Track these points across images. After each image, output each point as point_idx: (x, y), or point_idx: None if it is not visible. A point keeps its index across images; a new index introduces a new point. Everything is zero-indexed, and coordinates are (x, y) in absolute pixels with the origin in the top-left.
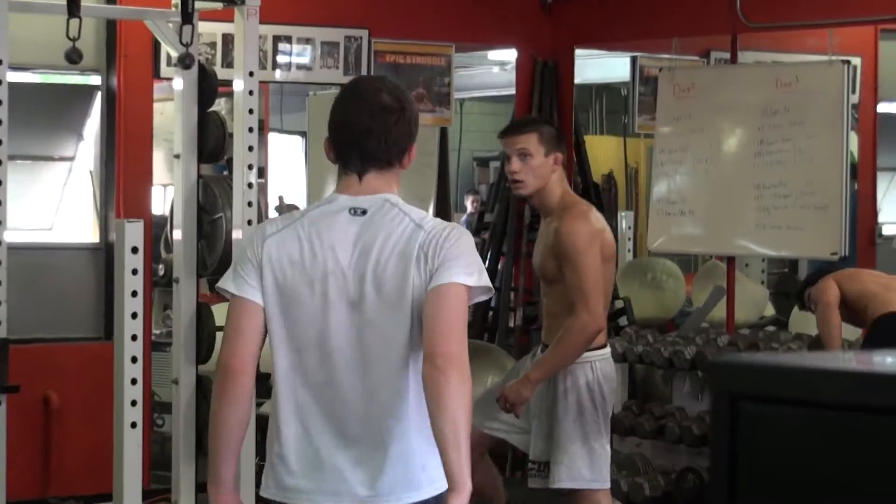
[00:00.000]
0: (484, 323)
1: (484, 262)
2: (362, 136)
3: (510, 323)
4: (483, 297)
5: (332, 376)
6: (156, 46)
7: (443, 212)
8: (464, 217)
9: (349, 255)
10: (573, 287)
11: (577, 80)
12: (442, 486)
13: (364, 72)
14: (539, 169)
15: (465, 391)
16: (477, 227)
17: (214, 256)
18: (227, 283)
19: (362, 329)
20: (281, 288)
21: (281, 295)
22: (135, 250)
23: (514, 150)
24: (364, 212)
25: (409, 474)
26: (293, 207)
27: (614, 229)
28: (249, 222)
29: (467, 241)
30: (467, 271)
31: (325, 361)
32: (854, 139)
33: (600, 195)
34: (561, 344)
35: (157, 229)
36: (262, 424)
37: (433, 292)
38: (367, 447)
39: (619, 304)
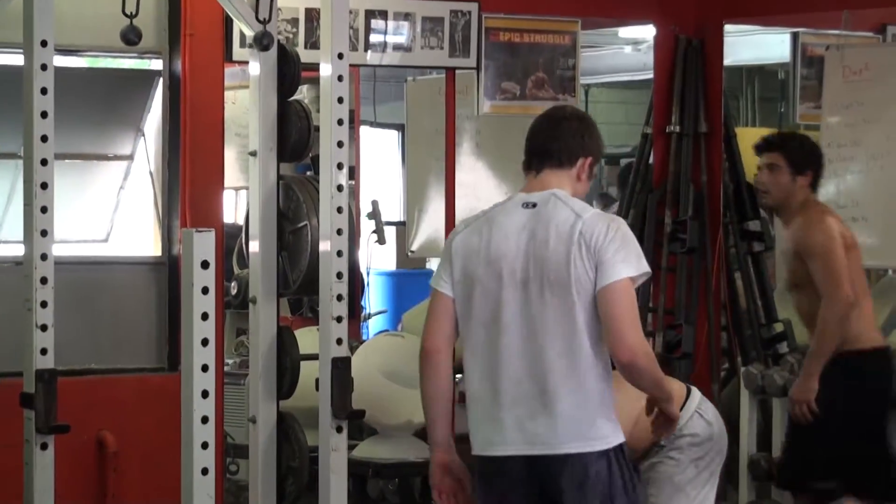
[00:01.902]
0: None
1: None
2: (541, 138)
3: None
4: (643, 280)
5: (506, 345)
6: (227, 24)
7: None
8: None
9: (518, 241)
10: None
11: (726, 62)
12: (612, 441)
13: (473, 52)
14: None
15: (651, 367)
16: None
17: (298, 272)
18: (432, 280)
19: (530, 304)
20: (465, 274)
21: (465, 279)
22: (205, 265)
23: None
24: (534, 204)
25: (580, 428)
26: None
27: (771, 238)
28: (339, 232)
29: (623, 231)
30: (627, 263)
31: (500, 333)
32: None
33: (754, 196)
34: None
35: (229, 241)
36: (355, 470)
37: (604, 292)
38: (539, 405)
39: (779, 327)
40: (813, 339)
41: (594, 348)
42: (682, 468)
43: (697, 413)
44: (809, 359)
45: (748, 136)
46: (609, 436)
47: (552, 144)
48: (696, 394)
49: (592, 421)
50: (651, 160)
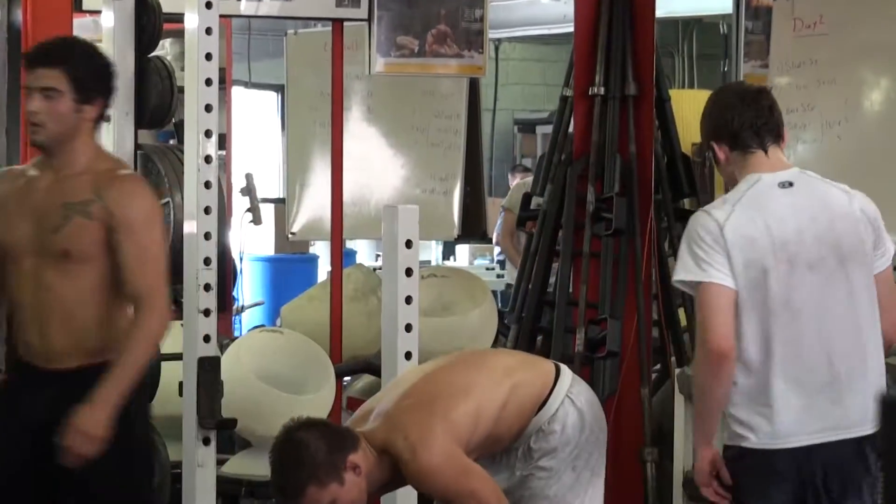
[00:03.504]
0: (531, 348)
1: (531, 265)
2: (753, 114)
3: (567, 349)
4: None
5: (799, 332)
6: None
7: (473, 195)
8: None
9: (798, 223)
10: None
11: (658, 13)
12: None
13: (363, 1)
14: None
15: None
16: (520, 216)
17: None
18: (687, 274)
19: (823, 286)
20: (749, 264)
21: (749, 269)
22: None
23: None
24: (791, 183)
25: (868, 409)
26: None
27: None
28: (207, 210)
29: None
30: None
31: (792, 320)
32: None
33: (691, 170)
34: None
35: None
36: (225, 489)
37: (885, 274)
38: (838, 390)
39: None
40: None
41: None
42: (558, 476)
43: (568, 398)
44: None
45: (685, 100)
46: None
47: (770, 117)
48: (566, 374)
49: (874, 402)
50: (571, 127)
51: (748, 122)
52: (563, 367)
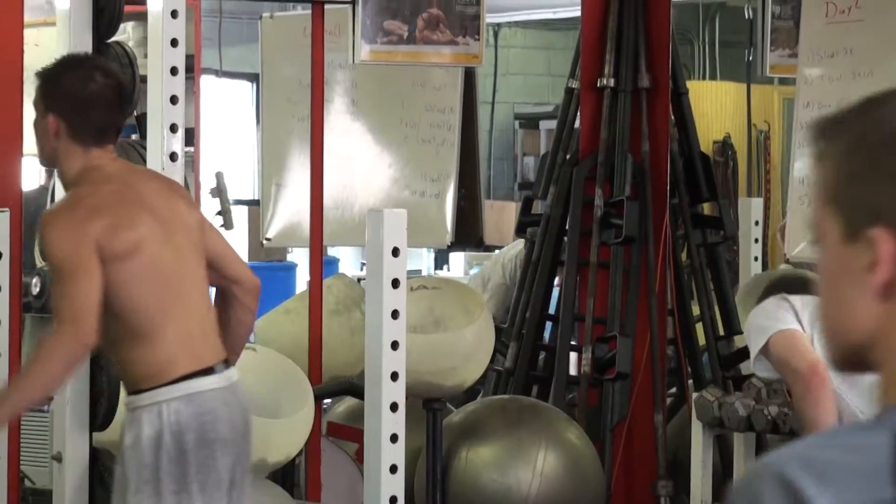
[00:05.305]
0: (531, 369)
1: (532, 276)
2: None
3: (573, 370)
4: None
5: None
6: None
7: (468, 198)
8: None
9: None
10: None
11: None
12: None
13: None
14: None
15: None
16: (521, 221)
17: None
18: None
19: None
20: None
21: None
22: None
23: None
24: None
25: None
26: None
27: (733, 225)
28: None
29: None
30: None
31: None
32: None
33: (711, 171)
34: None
35: (30, 223)
36: None
37: None
38: None
39: (741, 341)
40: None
41: None
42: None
43: (157, 408)
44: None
45: (705, 93)
46: None
47: None
48: (181, 388)
49: None
50: (577, 123)
51: None
52: (198, 381)
